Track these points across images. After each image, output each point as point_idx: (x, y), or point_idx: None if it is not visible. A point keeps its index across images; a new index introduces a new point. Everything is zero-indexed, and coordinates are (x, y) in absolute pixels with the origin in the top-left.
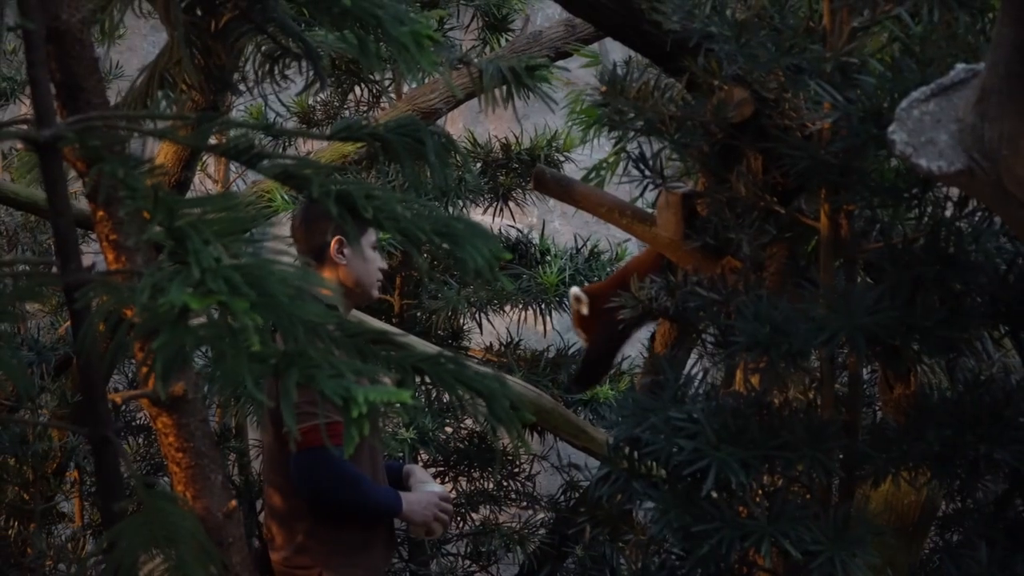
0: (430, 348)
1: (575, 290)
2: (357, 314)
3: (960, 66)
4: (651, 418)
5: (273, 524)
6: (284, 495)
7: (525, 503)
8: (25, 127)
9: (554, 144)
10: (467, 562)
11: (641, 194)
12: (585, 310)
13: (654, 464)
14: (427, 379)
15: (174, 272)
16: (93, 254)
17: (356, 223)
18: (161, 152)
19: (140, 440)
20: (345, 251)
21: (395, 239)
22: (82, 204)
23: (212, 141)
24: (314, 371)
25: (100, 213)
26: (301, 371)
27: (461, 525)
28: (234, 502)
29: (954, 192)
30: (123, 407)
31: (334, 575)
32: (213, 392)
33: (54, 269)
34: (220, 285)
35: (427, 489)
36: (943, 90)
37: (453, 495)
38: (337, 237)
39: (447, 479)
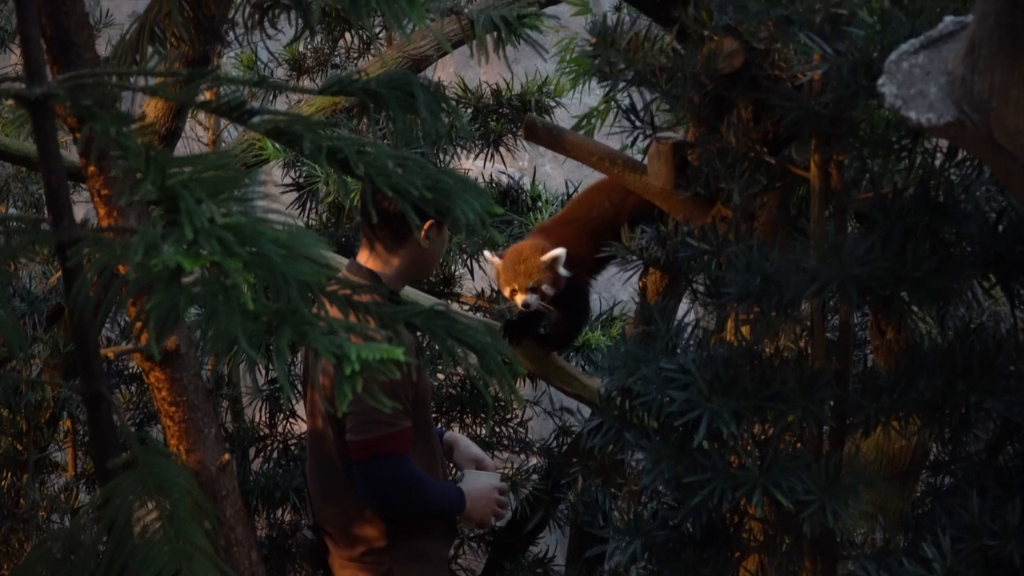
0: (423, 299)
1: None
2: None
3: (949, 18)
4: (643, 368)
5: (333, 521)
6: (347, 497)
7: (518, 449)
8: (16, 84)
9: (545, 90)
10: None
11: (632, 144)
12: (563, 270)
13: (646, 414)
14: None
15: (167, 231)
16: (84, 203)
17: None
18: (151, 103)
19: (133, 389)
20: (431, 233)
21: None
22: (73, 155)
23: (204, 96)
24: (307, 329)
25: (92, 169)
26: (294, 329)
27: (455, 472)
28: (227, 455)
29: (944, 142)
30: (115, 359)
31: (403, 568)
32: (207, 351)
33: (45, 225)
34: (213, 245)
35: (481, 479)
36: (932, 42)
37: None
38: (431, 221)
39: (439, 425)
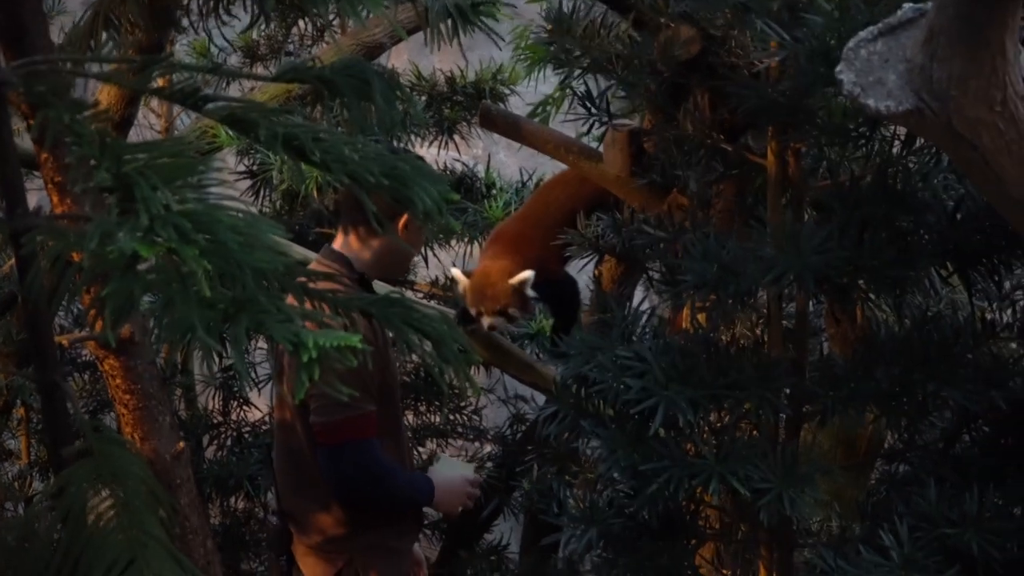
0: (379, 287)
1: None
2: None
3: (908, 5)
4: (599, 356)
5: (297, 509)
6: (311, 485)
7: (472, 437)
8: None
9: (499, 77)
10: None
11: (588, 131)
12: (531, 291)
13: (602, 402)
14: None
15: (123, 219)
16: (36, 190)
17: None
18: (105, 90)
19: (86, 377)
20: (409, 227)
21: (342, 182)
22: (26, 143)
23: (157, 83)
24: (263, 317)
25: (45, 156)
26: (251, 317)
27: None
28: (182, 444)
29: (902, 130)
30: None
31: (363, 558)
32: (162, 339)
33: None
34: (169, 232)
35: (456, 468)
36: (891, 30)
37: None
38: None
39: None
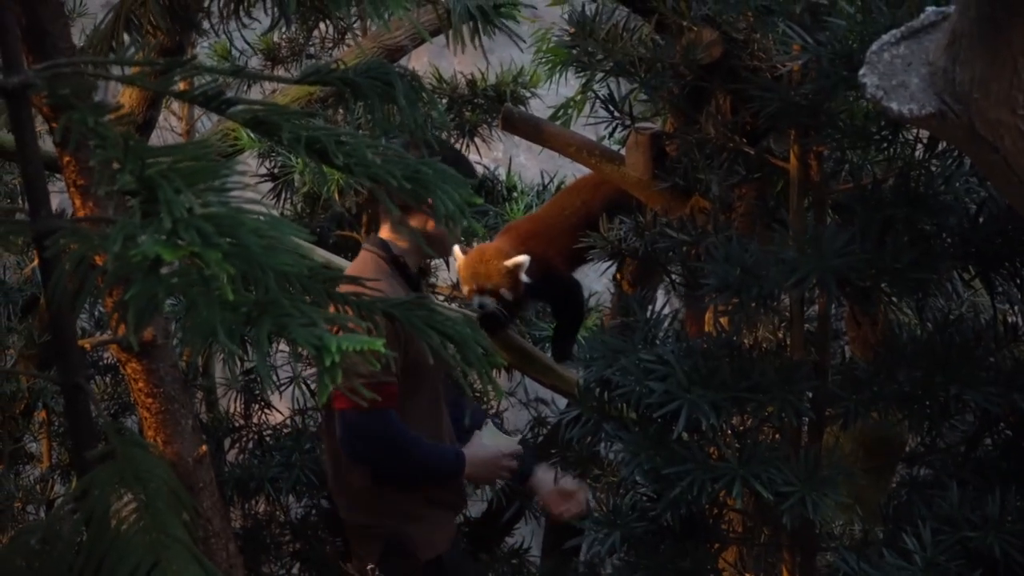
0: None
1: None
2: (337, 260)
3: (930, 8)
4: (622, 359)
5: (338, 490)
6: (345, 465)
7: None
8: None
9: (520, 80)
10: None
11: (610, 135)
12: (525, 276)
13: (624, 406)
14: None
15: (146, 221)
16: (58, 193)
17: None
18: (126, 93)
19: (108, 380)
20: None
21: (365, 184)
22: (47, 145)
23: (179, 86)
24: (286, 320)
25: (67, 159)
26: (273, 320)
27: None
28: (204, 447)
29: (924, 133)
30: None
31: (395, 535)
32: (184, 342)
33: (20, 215)
34: (192, 235)
35: (498, 440)
36: (913, 33)
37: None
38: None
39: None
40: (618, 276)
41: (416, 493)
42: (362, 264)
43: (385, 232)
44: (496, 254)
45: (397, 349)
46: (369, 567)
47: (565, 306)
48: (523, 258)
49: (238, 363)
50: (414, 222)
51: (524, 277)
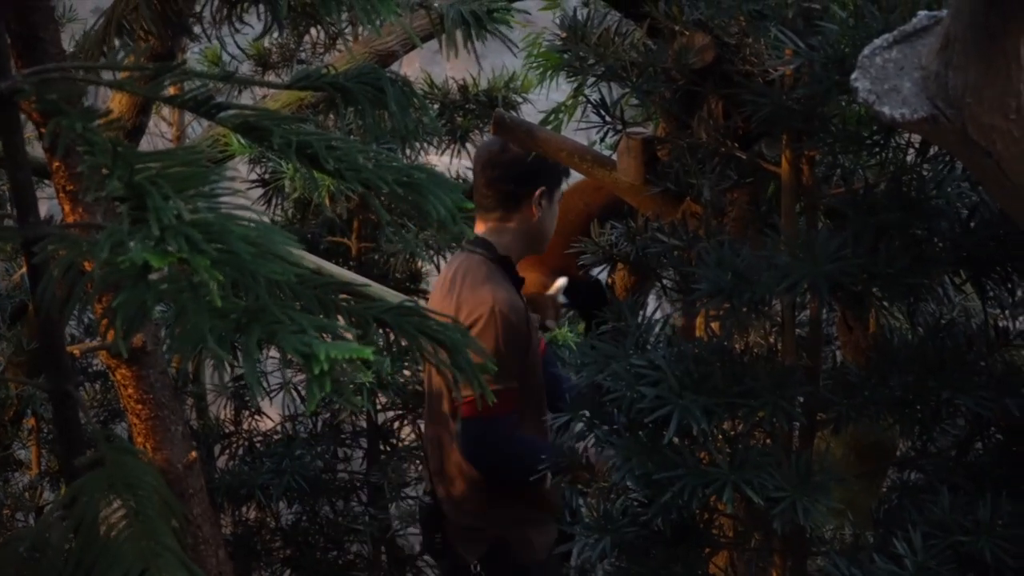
0: (391, 295)
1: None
2: (328, 266)
3: (923, 13)
4: (613, 365)
5: (444, 489)
6: (454, 464)
7: None
8: None
9: (511, 85)
10: None
11: (601, 139)
12: (562, 297)
13: (616, 411)
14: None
15: (134, 228)
16: (47, 199)
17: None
18: (116, 98)
19: (97, 386)
20: (543, 202)
21: (356, 189)
22: (36, 151)
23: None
24: (276, 327)
25: (57, 164)
26: (263, 327)
27: (421, 469)
28: (194, 453)
29: (916, 138)
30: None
31: (501, 537)
32: (174, 349)
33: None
34: (180, 242)
35: None
36: (906, 37)
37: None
38: (541, 188)
39: (406, 422)
40: (610, 281)
41: (527, 497)
42: (476, 269)
43: (486, 231)
44: (537, 287)
45: (520, 352)
46: (472, 564)
47: (595, 305)
48: (563, 281)
49: (228, 369)
50: (519, 220)
51: (561, 298)
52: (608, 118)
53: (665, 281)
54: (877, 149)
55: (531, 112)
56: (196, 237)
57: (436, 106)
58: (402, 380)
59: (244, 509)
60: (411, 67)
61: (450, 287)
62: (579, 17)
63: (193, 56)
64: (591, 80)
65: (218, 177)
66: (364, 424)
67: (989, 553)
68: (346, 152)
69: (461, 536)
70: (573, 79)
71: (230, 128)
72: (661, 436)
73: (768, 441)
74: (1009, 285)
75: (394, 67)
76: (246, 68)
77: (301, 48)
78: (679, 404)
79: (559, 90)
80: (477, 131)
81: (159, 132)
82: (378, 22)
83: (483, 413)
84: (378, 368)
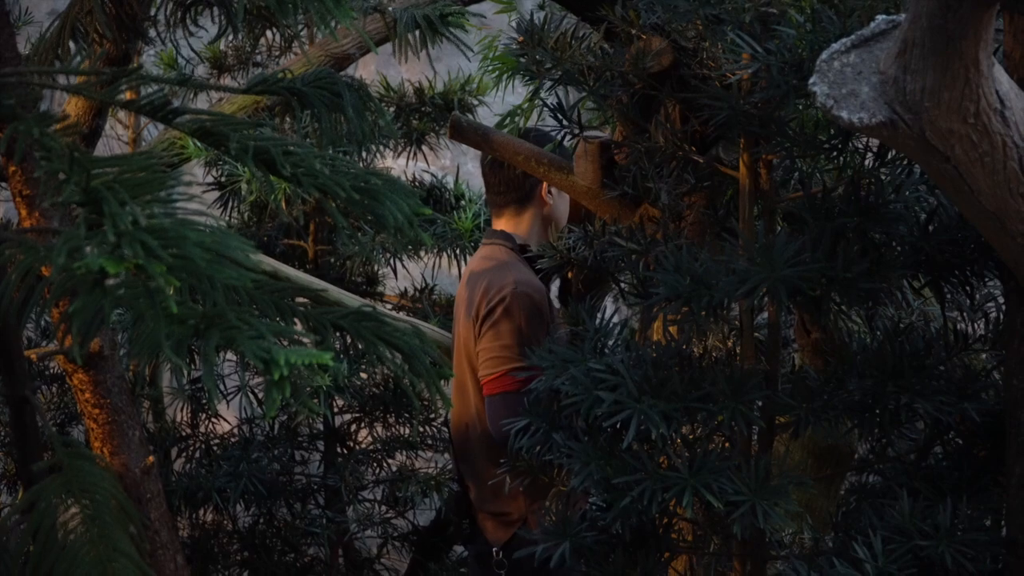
0: (349, 299)
1: None
2: (285, 269)
3: (881, 17)
4: (571, 369)
5: (471, 475)
6: (482, 451)
7: (441, 448)
8: None
9: (467, 88)
10: (384, 508)
11: (560, 143)
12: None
13: (574, 415)
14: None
15: (91, 234)
16: (4, 201)
17: None
18: (72, 102)
19: (54, 390)
20: (552, 191)
21: (312, 195)
22: None
23: (126, 96)
24: (235, 332)
25: (13, 169)
26: (222, 333)
27: (378, 472)
28: (152, 458)
29: (874, 142)
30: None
31: (526, 523)
32: (132, 355)
33: None
34: (136, 248)
35: None
36: (864, 41)
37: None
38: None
39: (363, 426)
40: (569, 275)
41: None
42: (499, 256)
43: (504, 224)
44: None
45: (543, 331)
46: (494, 550)
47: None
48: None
49: (186, 373)
50: (533, 210)
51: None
52: (565, 122)
53: (623, 285)
54: (835, 153)
55: (487, 115)
56: (152, 243)
57: (392, 109)
58: (359, 383)
59: (201, 512)
60: (367, 70)
61: (478, 274)
62: (536, 20)
63: (148, 59)
64: (548, 84)
65: (174, 182)
66: (321, 427)
67: (949, 558)
68: (303, 158)
69: (488, 522)
70: (529, 83)
71: (187, 133)
72: (620, 441)
73: (727, 445)
74: (968, 289)
75: (350, 70)
76: (202, 71)
77: (257, 51)
78: (638, 408)
79: (515, 93)
80: (433, 134)
81: (115, 135)
82: (334, 25)
83: (508, 388)
84: (335, 372)
